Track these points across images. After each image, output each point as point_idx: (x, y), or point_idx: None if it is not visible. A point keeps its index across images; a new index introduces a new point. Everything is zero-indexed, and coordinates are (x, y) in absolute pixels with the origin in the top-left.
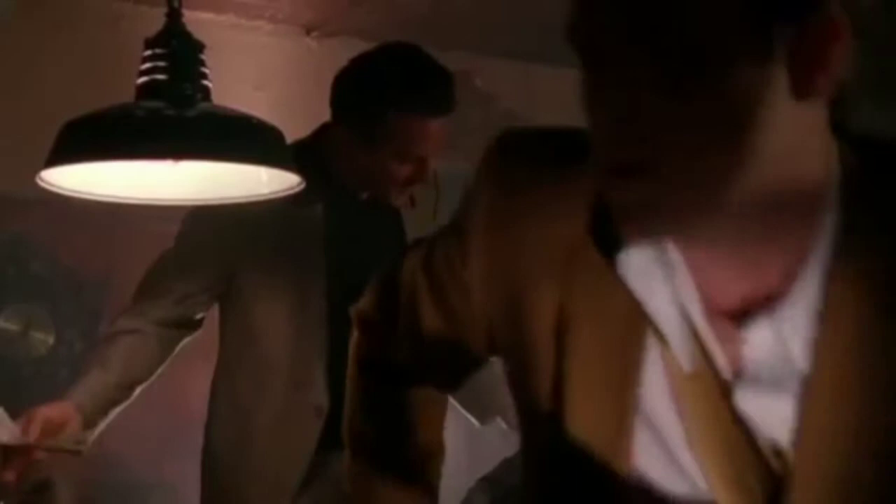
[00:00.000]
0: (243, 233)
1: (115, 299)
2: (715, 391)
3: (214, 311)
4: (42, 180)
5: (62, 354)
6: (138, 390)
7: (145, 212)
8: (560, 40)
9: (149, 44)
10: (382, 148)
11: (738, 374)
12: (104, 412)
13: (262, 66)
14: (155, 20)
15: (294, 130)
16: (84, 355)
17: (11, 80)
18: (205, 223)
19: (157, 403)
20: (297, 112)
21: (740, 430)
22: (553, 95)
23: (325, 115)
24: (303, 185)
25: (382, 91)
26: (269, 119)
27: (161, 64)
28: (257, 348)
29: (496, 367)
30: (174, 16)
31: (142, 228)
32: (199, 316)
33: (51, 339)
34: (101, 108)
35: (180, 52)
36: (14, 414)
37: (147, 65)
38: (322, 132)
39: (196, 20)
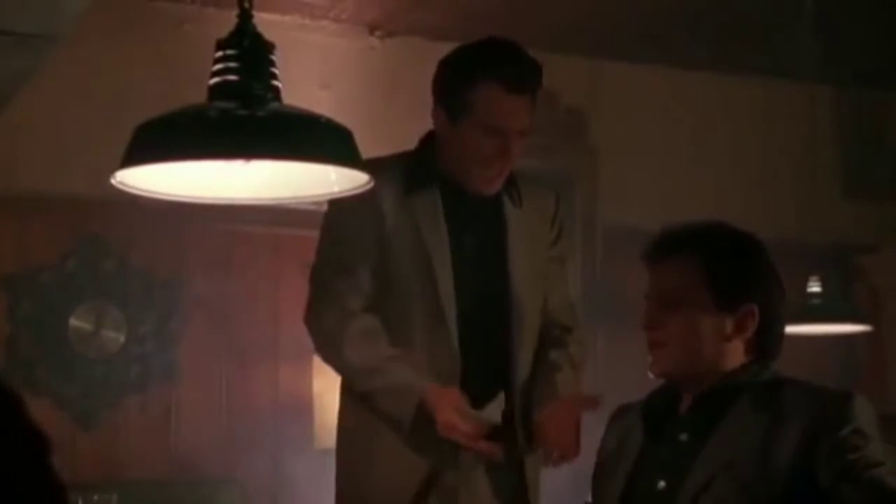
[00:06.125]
0: (374, 225)
1: (185, 297)
2: None
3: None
4: (116, 181)
5: (133, 352)
6: None
7: (214, 212)
8: (622, 37)
9: (220, 45)
10: (466, 118)
11: None
12: None
13: (328, 66)
14: (219, 22)
15: (359, 128)
16: (155, 353)
17: (83, 84)
18: (344, 221)
19: (223, 403)
20: (363, 110)
21: None
22: (615, 91)
23: (390, 112)
24: (371, 184)
25: (469, 62)
26: (334, 117)
27: (232, 64)
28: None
29: None
30: (245, 16)
31: (211, 228)
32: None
33: (122, 338)
34: (172, 109)
35: (252, 52)
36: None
37: (219, 65)
38: (432, 133)
39: (261, 21)
